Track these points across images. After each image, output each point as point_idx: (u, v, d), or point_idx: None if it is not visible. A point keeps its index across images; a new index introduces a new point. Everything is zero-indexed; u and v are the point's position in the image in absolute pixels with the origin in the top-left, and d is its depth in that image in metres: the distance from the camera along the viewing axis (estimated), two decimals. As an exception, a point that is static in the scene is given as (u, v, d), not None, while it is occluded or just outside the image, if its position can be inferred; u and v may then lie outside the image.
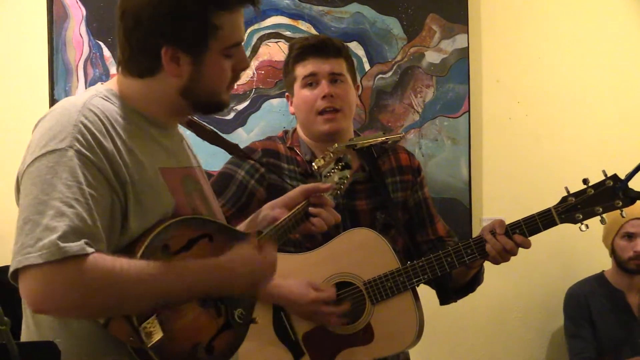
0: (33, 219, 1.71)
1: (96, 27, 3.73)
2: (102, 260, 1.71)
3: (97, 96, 1.91)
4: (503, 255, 2.64)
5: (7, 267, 1.95)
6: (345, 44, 2.94)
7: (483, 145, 4.36)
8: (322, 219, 2.25)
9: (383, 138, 2.73)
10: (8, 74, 3.67)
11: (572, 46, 4.51)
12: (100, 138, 1.80)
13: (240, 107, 3.86)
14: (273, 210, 2.21)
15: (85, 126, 1.79)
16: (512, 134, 4.41)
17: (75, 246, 1.67)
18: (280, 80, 3.88)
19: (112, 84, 1.99)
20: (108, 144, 1.81)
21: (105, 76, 3.73)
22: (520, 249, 2.65)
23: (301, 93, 2.76)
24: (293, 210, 2.20)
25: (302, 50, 2.79)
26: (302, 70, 2.76)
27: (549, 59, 4.45)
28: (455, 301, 2.88)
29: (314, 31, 3.94)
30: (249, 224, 2.24)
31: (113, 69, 3.69)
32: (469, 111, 4.23)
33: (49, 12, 3.63)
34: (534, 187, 4.38)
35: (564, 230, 2.75)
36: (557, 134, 4.46)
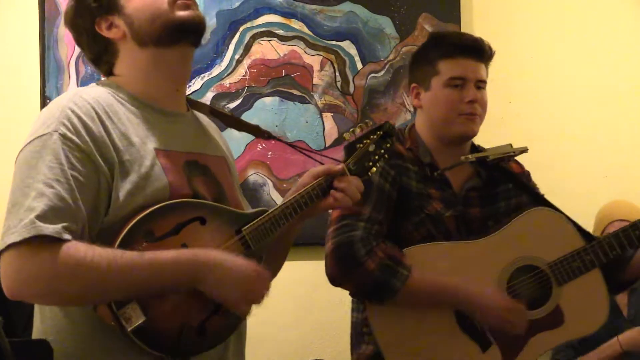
0: (18, 202, 1.75)
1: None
2: (75, 249, 1.72)
3: (95, 85, 1.99)
4: None
5: None
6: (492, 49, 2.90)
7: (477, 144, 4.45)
8: (346, 193, 2.13)
9: (512, 151, 2.71)
10: (4, 72, 3.71)
11: (565, 46, 4.52)
12: (87, 121, 1.83)
13: (232, 105, 3.87)
14: (308, 177, 2.16)
15: (72, 111, 1.83)
16: (504, 133, 4.19)
17: (51, 228, 1.70)
18: (272, 78, 3.92)
19: (111, 78, 2.04)
20: (96, 127, 1.83)
21: (97, 73, 3.73)
22: None
23: (445, 91, 2.71)
24: (306, 187, 2.12)
25: (455, 46, 2.76)
26: (450, 68, 2.72)
27: (541, 59, 4.47)
28: (626, 288, 2.96)
29: (306, 30, 3.95)
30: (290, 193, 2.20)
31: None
32: None
33: (41, 9, 3.65)
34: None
35: None
36: (548, 133, 4.45)
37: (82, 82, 3.70)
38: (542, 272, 2.67)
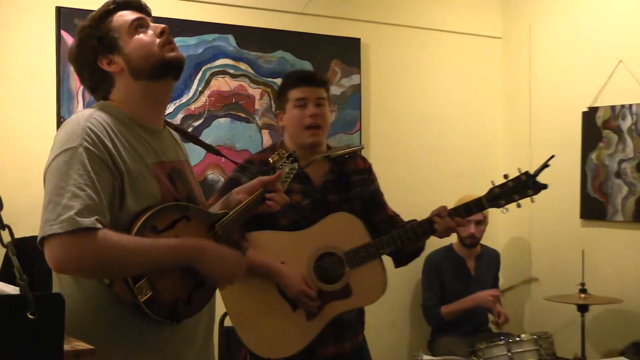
0: (55, 200, 1.86)
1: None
2: (109, 235, 1.87)
3: (100, 110, 2.05)
4: (447, 232, 2.90)
5: (25, 238, 2.23)
6: (325, 77, 3.17)
7: (370, 154, 4.73)
8: (275, 201, 2.34)
9: (349, 150, 2.96)
10: (26, 98, 3.81)
11: (432, 79, 5.17)
12: (103, 138, 1.95)
13: (196, 123, 4.23)
14: (238, 195, 2.32)
15: (91, 129, 1.95)
16: (391, 145, 4.97)
17: (88, 221, 1.83)
18: (225, 104, 4.30)
19: (112, 99, 2.13)
20: (109, 143, 1.96)
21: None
22: None
23: (293, 111, 2.95)
24: (252, 196, 2.30)
25: (297, 79, 3.01)
26: (295, 94, 2.95)
27: (417, 93, 5.09)
28: (406, 264, 3.13)
29: (251, 70, 4.38)
30: (222, 204, 2.35)
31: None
32: (360, 129, 4.79)
33: (57, 50, 3.83)
34: (408, 184, 4.92)
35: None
36: (424, 145, 5.08)
37: (87, 106, 3.49)
38: (339, 258, 2.90)
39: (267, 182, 2.34)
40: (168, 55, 2.07)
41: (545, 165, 2.84)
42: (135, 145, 2.04)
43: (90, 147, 1.92)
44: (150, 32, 2.09)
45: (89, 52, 2.09)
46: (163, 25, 2.10)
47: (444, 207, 2.90)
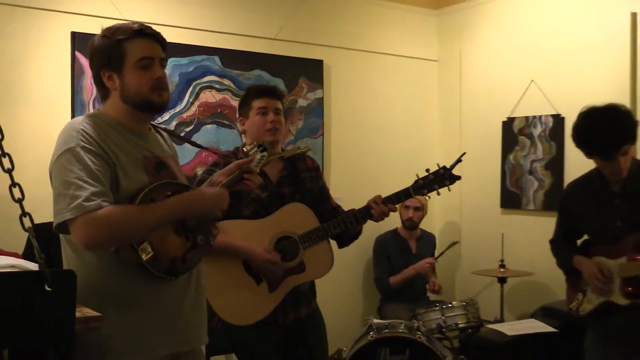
0: (63, 193, 1.86)
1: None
2: (116, 208, 1.87)
3: (90, 115, 2.04)
4: (381, 217, 2.87)
5: (44, 224, 2.13)
6: (281, 91, 3.13)
7: (332, 154, 4.86)
8: (252, 180, 2.32)
9: (298, 151, 2.92)
10: (46, 107, 3.76)
11: (383, 98, 5.16)
12: (95, 137, 1.93)
13: (188, 129, 4.20)
14: (219, 177, 2.29)
15: (85, 131, 1.93)
16: (348, 148, 4.99)
17: (94, 204, 1.83)
18: (212, 113, 4.26)
19: (102, 109, 2.12)
20: (101, 142, 1.94)
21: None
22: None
23: (256, 118, 2.89)
24: (231, 176, 2.27)
25: (260, 91, 2.95)
26: (257, 103, 2.90)
27: (369, 105, 5.08)
28: (348, 245, 3.09)
29: (233, 85, 4.34)
30: (207, 184, 2.32)
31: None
32: (323, 134, 4.78)
33: (72, 69, 3.80)
34: (361, 178, 4.93)
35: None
36: (375, 148, 5.10)
37: None
38: (295, 240, 2.86)
39: (243, 164, 2.30)
40: (154, 99, 2.04)
41: (458, 161, 2.84)
42: (123, 142, 2.01)
43: (86, 145, 1.90)
44: (150, 73, 2.02)
45: (97, 61, 2.05)
46: (161, 73, 2.05)
47: (379, 196, 2.88)
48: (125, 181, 1.95)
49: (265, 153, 2.40)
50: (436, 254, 4.88)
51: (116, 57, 2.01)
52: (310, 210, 2.93)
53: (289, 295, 2.86)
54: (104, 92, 2.08)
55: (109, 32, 2.04)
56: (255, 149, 2.40)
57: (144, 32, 2.03)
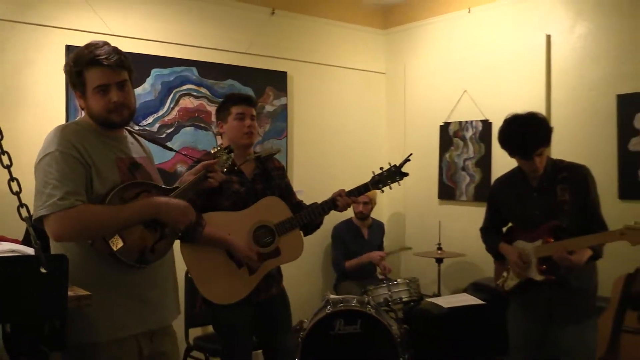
0: (41, 191, 1.84)
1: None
2: (88, 207, 1.84)
3: (72, 123, 2.00)
4: (345, 207, 2.86)
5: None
6: (256, 100, 3.04)
7: (294, 153, 4.80)
8: (214, 179, 2.26)
9: (270, 152, 2.93)
10: (43, 111, 3.67)
11: (338, 105, 5.09)
12: (74, 142, 1.89)
13: (169, 131, 4.10)
14: (188, 176, 2.24)
15: (64, 137, 1.89)
16: (308, 147, 4.92)
17: (67, 202, 1.80)
18: (190, 117, 4.15)
19: (83, 117, 2.05)
20: (78, 145, 1.89)
21: None
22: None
23: (234, 123, 2.85)
24: (197, 175, 2.22)
25: (238, 99, 2.91)
26: (236, 110, 2.86)
27: (326, 111, 5.01)
28: (311, 234, 3.03)
29: (209, 93, 4.26)
30: (179, 182, 2.22)
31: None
32: (287, 136, 4.72)
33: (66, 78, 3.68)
34: (320, 175, 4.88)
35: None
36: (331, 148, 5.05)
37: None
38: (270, 228, 2.83)
39: (208, 165, 2.25)
40: (114, 119, 1.97)
41: (406, 160, 2.87)
42: (100, 145, 1.96)
43: (64, 150, 1.85)
44: (107, 97, 1.94)
45: (68, 82, 2.01)
46: (117, 97, 1.94)
47: (342, 190, 2.88)
48: (97, 182, 1.90)
49: (231, 154, 2.34)
50: (385, 241, 4.88)
51: (78, 84, 1.97)
52: (284, 203, 2.90)
53: (262, 278, 2.83)
54: (80, 106, 2.04)
55: (71, 61, 1.97)
56: (223, 151, 2.35)
57: (98, 62, 1.92)
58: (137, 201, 1.92)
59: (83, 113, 1.89)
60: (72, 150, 1.87)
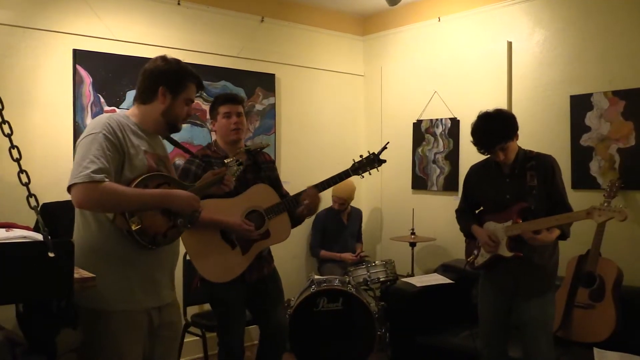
0: (79, 162, 1.85)
1: (97, 87, 3.69)
2: (114, 185, 1.86)
3: (118, 115, 2.03)
4: (313, 199, 2.83)
5: (50, 203, 2.29)
6: (242, 97, 2.96)
7: (282, 148, 4.75)
8: (227, 185, 2.28)
9: (260, 146, 2.82)
10: (52, 109, 3.61)
11: (321, 105, 5.01)
12: (116, 130, 1.94)
13: None
14: (209, 175, 2.27)
15: (110, 124, 1.94)
16: (294, 143, 4.87)
17: (99, 176, 1.82)
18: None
19: (128, 111, 2.09)
20: (120, 134, 1.94)
21: (101, 111, 3.66)
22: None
23: (222, 121, 2.82)
24: (214, 177, 2.25)
25: (224, 99, 2.86)
26: (223, 109, 2.82)
27: (310, 110, 4.95)
28: (297, 226, 2.98)
29: (204, 94, 4.17)
30: (205, 177, 2.29)
31: (106, 108, 3.70)
32: (275, 132, 4.66)
33: (73, 79, 3.64)
34: (304, 167, 4.81)
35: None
36: (314, 143, 4.99)
37: (93, 115, 3.65)
38: (261, 213, 2.80)
39: (221, 173, 2.28)
40: (179, 127, 2.10)
41: (384, 148, 2.84)
42: (135, 139, 1.99)
43: (107, 134, 1.89)
44: (188, 109, 2.08)
45: (161, 76, 2.02)
46: (191, 113, 2.13)
47: (314, 185, 2.86)
48: (128, 169, 1.93)
49: (241, 167, 2.36)
50: (363, 226, 4.83)
51: (178, 85, 2.03)
52: (272, 190, 2.87)
53: (255, 259, 2.79)
54: (148, 98, 2.05)
55: (181, 66, 2.07)
56: (235, 162, 2.36)
57: (199, 82, 2.12)
58: (155, 190, 1.95)
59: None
60: (113, 136, 1.90)
